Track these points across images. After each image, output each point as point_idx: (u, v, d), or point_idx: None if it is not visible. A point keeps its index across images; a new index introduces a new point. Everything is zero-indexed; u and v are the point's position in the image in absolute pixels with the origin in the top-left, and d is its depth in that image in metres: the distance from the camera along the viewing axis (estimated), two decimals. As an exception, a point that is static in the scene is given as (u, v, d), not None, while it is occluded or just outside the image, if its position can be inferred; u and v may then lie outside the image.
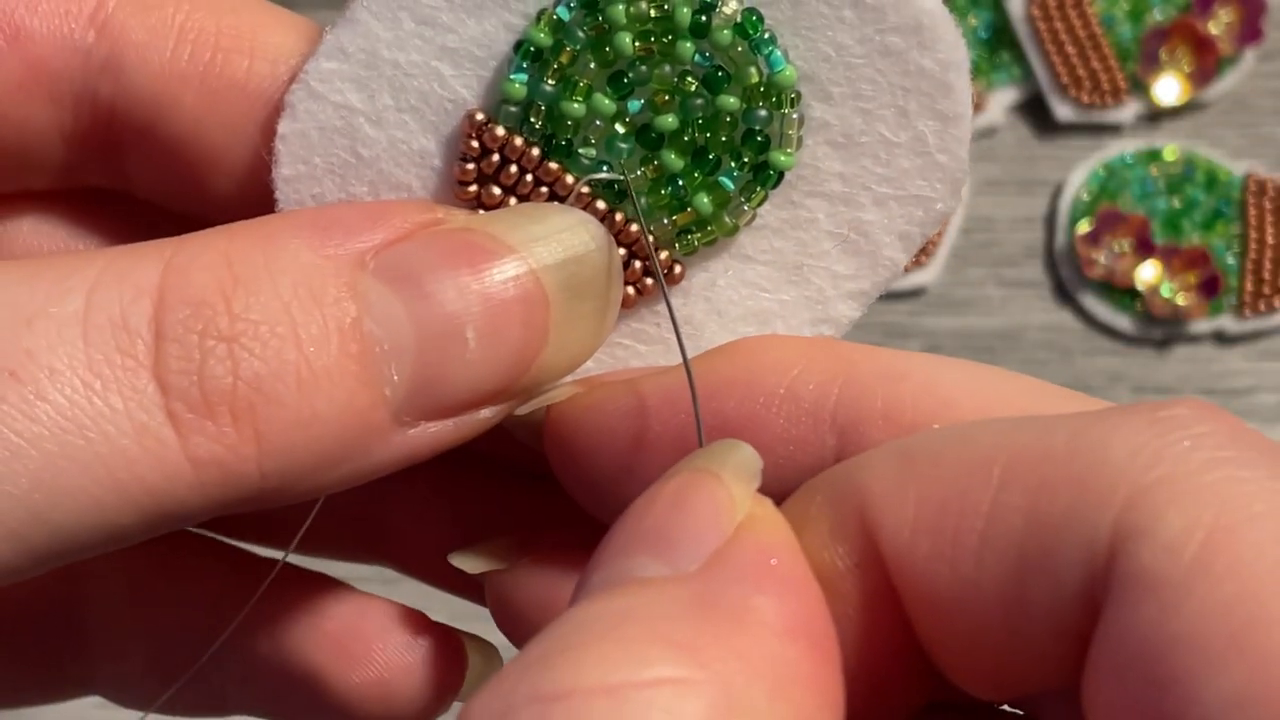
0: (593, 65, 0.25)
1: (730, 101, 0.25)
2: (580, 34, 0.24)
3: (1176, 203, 0.63)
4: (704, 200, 0.25)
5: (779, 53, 0.24)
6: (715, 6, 0.24)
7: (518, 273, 0.23)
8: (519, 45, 0.24)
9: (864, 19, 0.24)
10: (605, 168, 0.25)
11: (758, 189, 0.25)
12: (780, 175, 0.25)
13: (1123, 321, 0.62)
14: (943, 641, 0.20)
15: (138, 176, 0.26)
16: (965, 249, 0.61)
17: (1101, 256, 0.61)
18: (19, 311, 0.21)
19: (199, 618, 0.28)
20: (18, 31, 0.24)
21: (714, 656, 0.17)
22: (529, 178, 0.25)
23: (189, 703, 0.29)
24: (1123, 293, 0.62)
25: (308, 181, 0.25)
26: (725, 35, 0.24)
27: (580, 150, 0.25)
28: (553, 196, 0.25)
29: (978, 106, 0.63)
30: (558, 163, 0.25)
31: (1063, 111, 0.62)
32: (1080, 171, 0.62)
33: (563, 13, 0.24)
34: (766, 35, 0.24)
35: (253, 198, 0.25)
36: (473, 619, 0.29)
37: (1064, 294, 0.62)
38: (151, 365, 0.21)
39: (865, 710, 0.20)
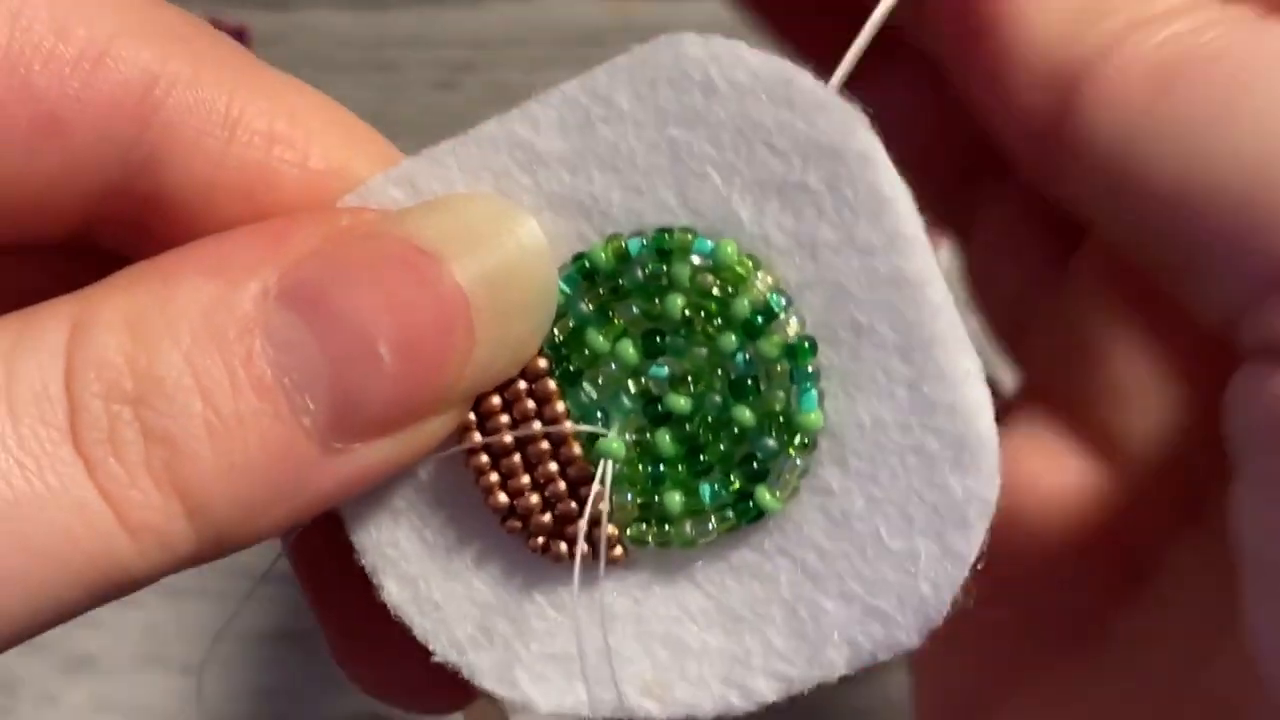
0: (636, 311, 0.23)
1: (745, 415, 0.23)
2: (639, 274, 0.23)
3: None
4: (675, 499, 0.23)
5: (815, 394, 0.23)
6: (777, 317, 0.23)
7: (431, 280, 0.22)
8: (579, 256, 0.23)
9: (913, 405, 0.22)
10: (600, 415, 0.23)
11: (730, 516, 0.23)
12: (760, 515, 0.23)
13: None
14: None
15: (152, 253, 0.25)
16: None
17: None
18: None
19: None
20: (59, 127, 0.22)
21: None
22: (522, 384, 0.23)
23: None
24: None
25: None
26: (773, 349, 0.23)
27: (584, 384, 0.23)
28: (539, 415, 0.23)
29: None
30: (557, 385, 0.23)
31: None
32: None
33: (633, 246, 0.23)
34: (811, 370, 0.23)
35: None
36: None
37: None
38: (71, 437, 0.21)
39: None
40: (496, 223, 0.23)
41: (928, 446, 0.22)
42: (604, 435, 0.23)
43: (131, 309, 0.21)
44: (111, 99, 0.22)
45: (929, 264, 0.22)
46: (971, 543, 0.22)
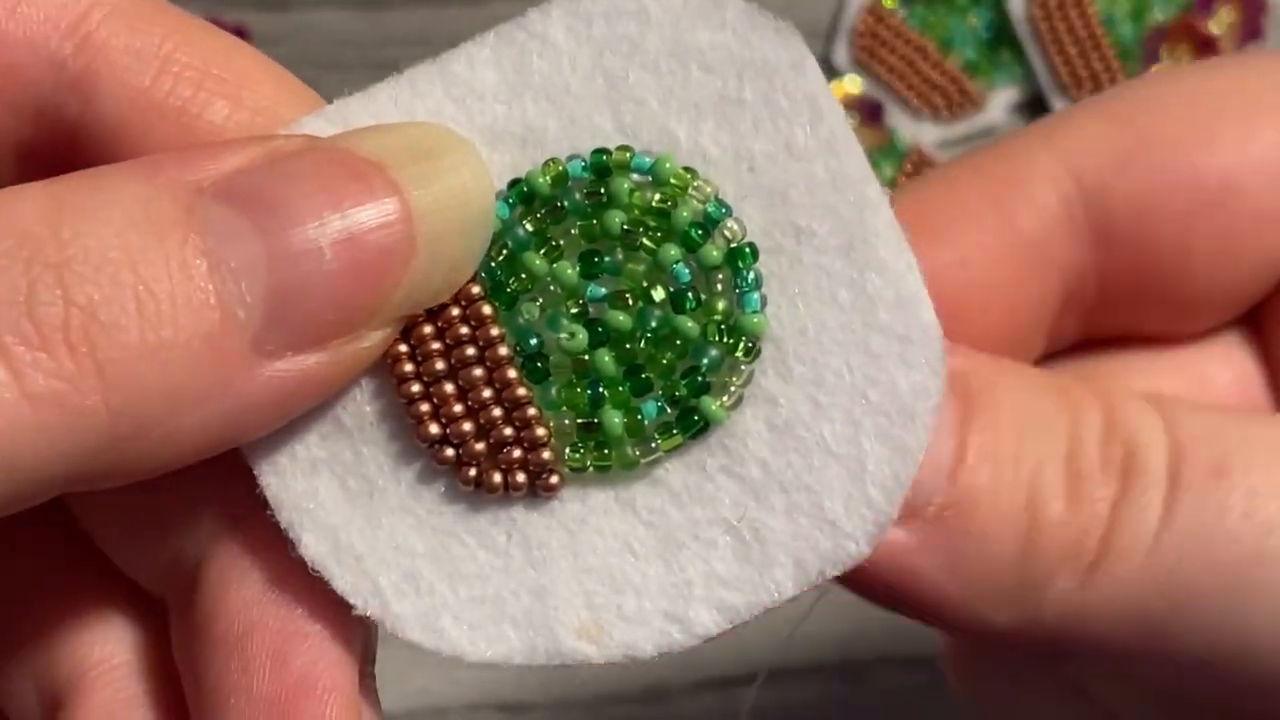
0: (575, 233, 0.23)
1: (688, 326, 0.23)
2: (578, 196, 0.23)
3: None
4: (615, 419, 0.23)
5: (758, 297, 0.22)
6: (718, 224, 0.23)
7: (376, 187, 0.21)
8: (515, 182, 0.23)
9: (856, 305, 0.22)
10: (535, 339, 0.23)
11: (675, 433, 0.23)
12: (705, 427, 0.23)
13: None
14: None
15: None
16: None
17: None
18: None
19: None
20: None
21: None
22: (455, 311, 0.23)
23: None
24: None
25: None
26: (714, 256, 0.23)
27: (522, 306, 0.23)
28: (471, 341, 0.23)
29: (978, 105, 0.63)
30: (492, 308, 0.23)
31: (1063, 112, 0.62)
32: (1081, 171, 0.62)
33: (573, 168, 0.23)
34: (754, 275, 0.23)
35: None
36: None
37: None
38: None
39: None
40: (438, 142, 0.22)
41: (872, 344, 0.22)
42: (574, 336, 0.23)
43: (59, 189, 0.20)
44: (47, 14, 0.22)
45: (864, 164, 0.23)
46: (920, 437, 0.22)
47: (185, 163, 0.21)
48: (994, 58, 0.64)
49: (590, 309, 0.23)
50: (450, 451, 0.23)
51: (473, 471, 0.23)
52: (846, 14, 0.63)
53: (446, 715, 0.35)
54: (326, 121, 0.23)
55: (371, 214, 0.21)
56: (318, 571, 0.23)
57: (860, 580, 0.24)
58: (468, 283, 0.23)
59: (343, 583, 0.23)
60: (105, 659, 0.25)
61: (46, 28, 0.22)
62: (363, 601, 0.23)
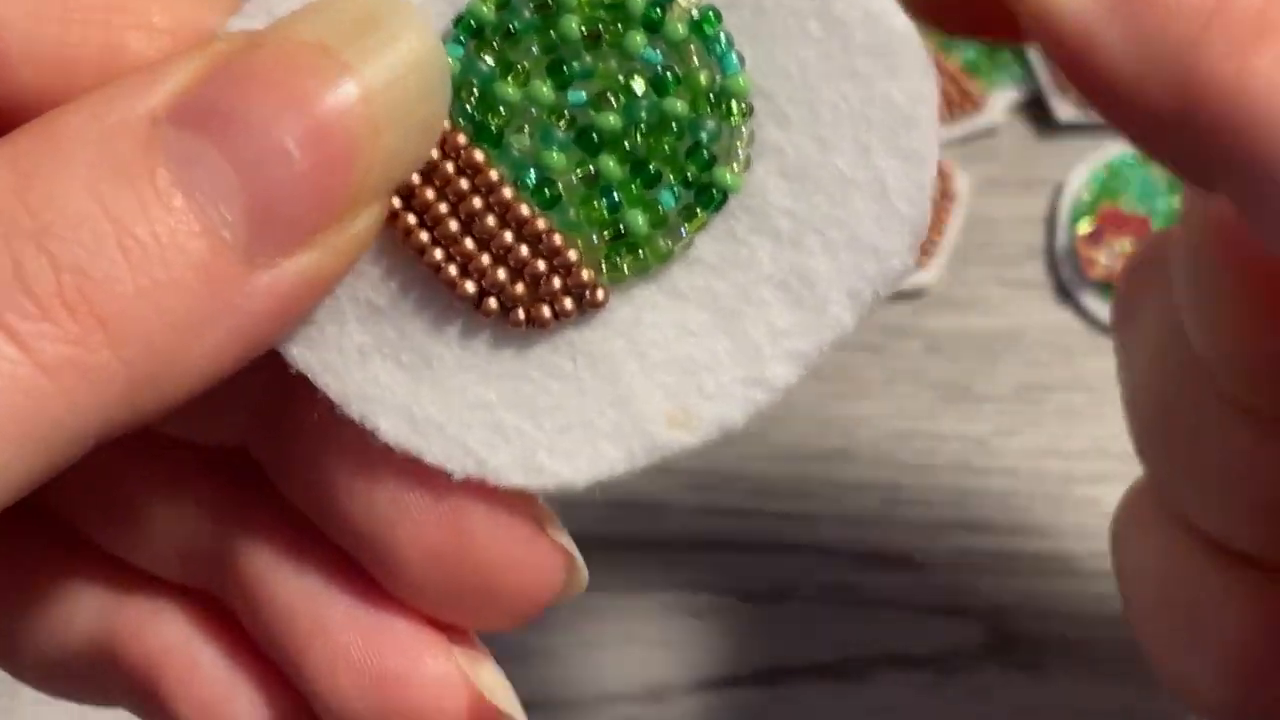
0: (535, 50, 0.23)
1: (678, 106, 0.22)
2: (526, 14, 0.23)
3: (1178, 203, 0.62)
4: (638, 219, 0.23)
5: (734, 57, 0.22)
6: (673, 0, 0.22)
7: (325, 72, 0.21)
8: (459, 20, 0.23)
9: (830, 34, 0.22)
10: (533, 170, 0.23)
11: (698, 211, 0.23)
12: (725, 197, 0.23)
13: (1124, 322, 0.61)
14: None
15: None
16: (965, 249, 0.60)
17: (1103, 256, 0.61)
18: None
19: None
20: None
21: None
22: (449, 166, 0.23)
23: None
24: (1125, 294, 0.61)
25: None
26: (679, 30, 0.22)
27: (511, 139, 0.23)
28: (474, 191, 0.23)
29: (978, 105, 0.63)
30: (484, 152, 0.23)
31: (1063, 111, 0.62)
32: (1081, 171, 0.61)
33: None
34: (723, 36, 0.22)
35: None
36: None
37: (1065, 294, 0.62)
38: None
39: None
40: (373, 9, 0.22)
41: (857, 66, 0.22)
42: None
43: (14, 152, 0.20)
44: None
45: None
46: (928, 140, 0.22)
47: (132, 94, 0.21)
48: (994, 58, 0.64)
49: (577, 117, 0.23)
50: (493, 302, 0.23)
51: (521, 314, 0.23)
52: (846, 14, 0.63)
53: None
54: (251, 18, 0.23)
55: (329, 102, 0.21)
56: (404, 451, 0.24)
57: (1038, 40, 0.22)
58: (453, 133, 0.23)
59: (433, 454, 0.24)
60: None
61: None
62: (459, 466, 0.24)
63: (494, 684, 0.26)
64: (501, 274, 0.23)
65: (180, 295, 0.20)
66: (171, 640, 0.26)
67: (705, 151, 0.23)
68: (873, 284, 0.23)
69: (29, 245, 0.20)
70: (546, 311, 0.23)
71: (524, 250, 0.23)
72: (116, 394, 0.20)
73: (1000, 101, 0.63)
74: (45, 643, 0.27)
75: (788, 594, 0.47)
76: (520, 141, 0.23)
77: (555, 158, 0.23)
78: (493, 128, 0.23)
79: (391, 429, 0.24)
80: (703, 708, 0.46)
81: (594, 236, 0.23)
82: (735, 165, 0.23)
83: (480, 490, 0.24)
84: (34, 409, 0.19)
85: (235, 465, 0.26)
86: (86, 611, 0.27)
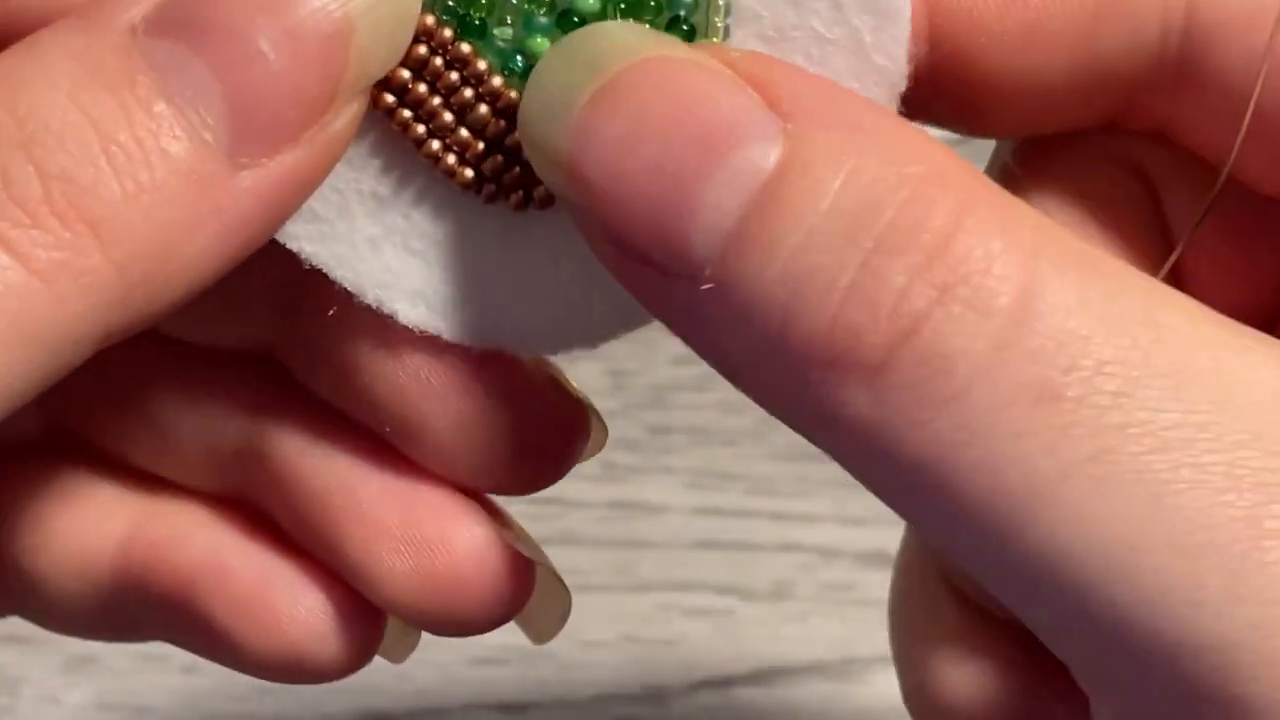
0: None
1: None
2: None
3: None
4: None
5: None
6: None
7: None
8: None
9: None
10: (519, 56, 0.23)
11: None
12: None
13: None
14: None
15: None
16: (966, 249, 0.60)
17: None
18: None
19: None
20: None
21: None
22: (439, 61, 0.23)
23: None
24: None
25: None
26: None
27: (495, 31, 0.24)
28: (464, 83, 0.23)
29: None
30: (470, 45, 0.23)
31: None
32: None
33: None
34: None
35: None
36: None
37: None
38: None
39: None
40: None
41: None
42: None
43: (2, 70, 0.21)
44: None
45: None
46: None
47: (113, 8, 0.21)
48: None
49: (557, 2, 0.23)
50: (491, 186, 0.24)
51: (519, 195, 0.24)
52: (847, 14, 0.63)
53: (446, 715, 0.35)
54: None
55: (303, 3, 0.21)
56: (423, 331, 0.24)
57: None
58: (439, 29, 0.23)
59: (451, 331, 0.24)
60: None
61: None
62: (484, 336, 0.24)
63: (524, 538, 0.26)
64: (498, 159, 0.24)
65: (167, 197, 0.21)
66: (202, 549, 0.27)
67: (685, 24, 0.23)
68: None
69: (16, 154, 0.20)
70: (541, 190, 0.24)
71: (517, 134, 0.23)
72: (111, 297, 0.21)
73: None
74: (73, 572, 0.27)
75: (788, 594, 0.47)
76: (504, 33, 0.24)
77: (539, 42, 0.23)
78: (476, 21, 0.24)
79: (409, 311, 0.24)
80: (703, 708, 0.46)
81: None
82: (715, 36, 0.23)
83: (500, 359, 0.25)
84: (30, 313, 0.20)
85: (260, 368, 0.27)
86: (113, 531, 0.27)
